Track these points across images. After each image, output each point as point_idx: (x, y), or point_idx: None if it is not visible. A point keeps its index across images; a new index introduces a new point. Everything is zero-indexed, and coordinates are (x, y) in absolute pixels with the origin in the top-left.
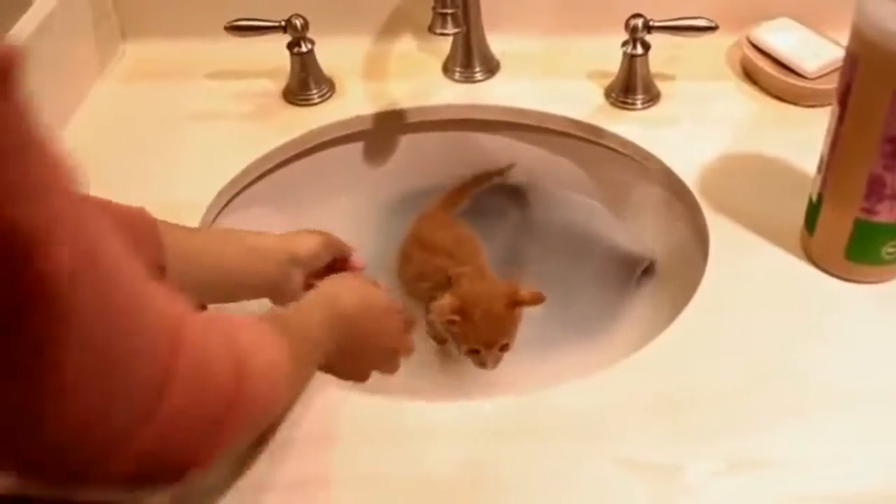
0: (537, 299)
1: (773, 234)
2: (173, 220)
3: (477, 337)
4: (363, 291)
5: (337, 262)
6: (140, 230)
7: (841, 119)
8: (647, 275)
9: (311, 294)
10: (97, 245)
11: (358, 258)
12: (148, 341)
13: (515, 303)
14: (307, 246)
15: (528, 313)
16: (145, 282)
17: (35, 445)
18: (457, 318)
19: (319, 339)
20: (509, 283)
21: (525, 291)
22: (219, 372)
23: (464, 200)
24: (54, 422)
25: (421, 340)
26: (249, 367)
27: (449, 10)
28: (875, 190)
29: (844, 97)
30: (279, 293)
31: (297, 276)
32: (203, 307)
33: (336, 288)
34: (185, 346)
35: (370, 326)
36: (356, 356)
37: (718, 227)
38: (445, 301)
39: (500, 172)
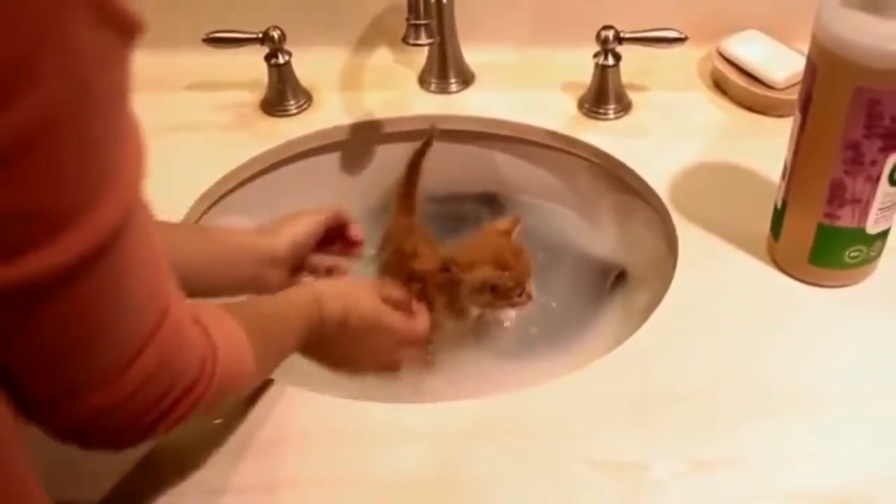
0: (517, 220)
1: (740, 241)
2: None
3: (521, 276)
4: (353, 302)
5: (333, 233)
6: None
7: (802, 126)
8: (619, 282)
9: (303, 287)
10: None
11: (357, 231)
12: (148, 301)
13: (508, 232)
14: (283, 243)
15: (503, 320)
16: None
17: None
18: (507, 273)
19: (292, 325)
20: (488, 228)
21: (503, 221)
22: (189, 353)
23: (415, 194)
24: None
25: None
26: (215, 356)
27: (422, 21)
28: (837, 195)
29: (805, 104)
30: (257, 291)
31: (276, 275)
32: None
33: (325, 289)
34: (167, 322)
35: (352, 342)
36: (330, 356)
37: (688, 234)
38: (484, 271)
39: (427, 145)
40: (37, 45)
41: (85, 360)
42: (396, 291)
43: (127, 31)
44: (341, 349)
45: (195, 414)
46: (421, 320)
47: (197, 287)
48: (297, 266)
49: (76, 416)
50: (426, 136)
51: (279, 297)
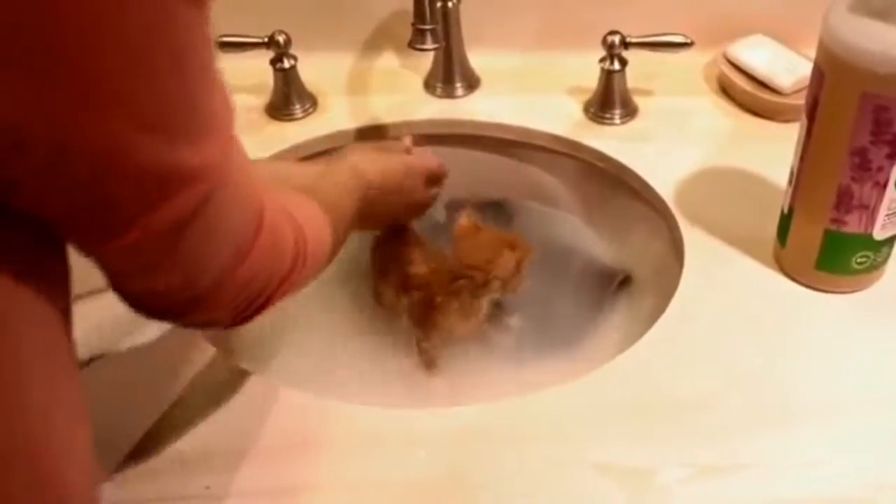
0: (470, 212)
1: (746, 246)
2: None
3: (525, 246)
4: (383, 162)
5: None
6: None
7: (809, 132)
8: (624, 286)
9: (337, 165)
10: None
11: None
12: (248, 215)
13: (476, 224)
14: (376, 168)
15: (509, 325)
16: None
17: (173, 283)
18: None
19: (347, 207)
20: (462, 228)
21: (465, 218)
22: (284, 246)
23: None
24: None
25: (404, 354)
26: (304, 240)
27: (428, 27)
28: (844, 201)
29: (812, 110)
30: None
31: None
32: None
33: (359, 160)
34: (264, 225)
35: (391, 195)
36: (379, 216)
37: (694, 240)
38: (507, 258)
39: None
40: (139, 38)
41: (210, 270)
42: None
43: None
44: (384, 206)
45: (292, 293)
46: (428, 155)
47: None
48: None
49: (202, 314)
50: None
51: (328, 180)
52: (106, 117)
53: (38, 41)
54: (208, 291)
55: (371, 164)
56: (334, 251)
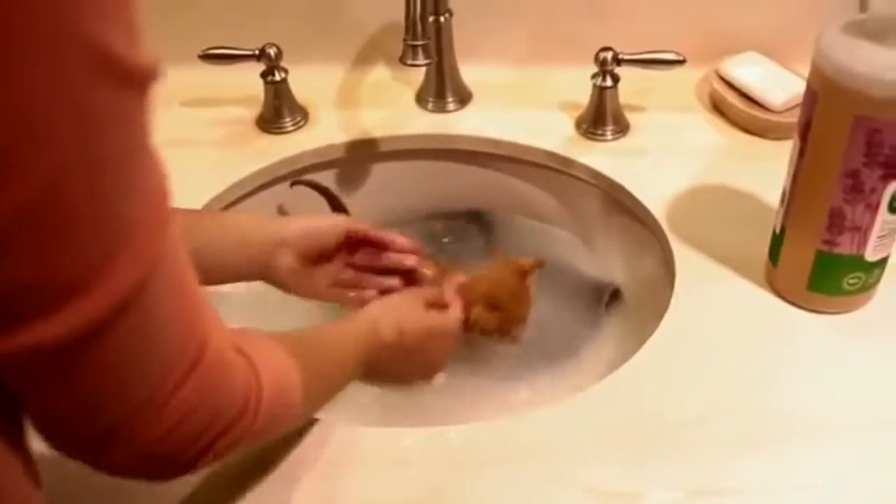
0: (541, 263)
1: (738, 265)
2: None
3: (509, 322)
4: (404, 319)
5: (357, 244)
6: None
7: (802, 153)
8: (615, 304)
9: (357, 314)
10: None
11: (403, 242)
12: (180, 344)
13: (525, 273)
14: (295, 227)
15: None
16: (197, 291)
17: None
18: (496, 314)
19: (349, 356)
20: (504, 261)
21: (525, 260)
22: (230, 388)
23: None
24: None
25: None
26: (259, 386)
27: (420, 42)
28: (836, 222)
29: (805, 131)
30: (267, 276)
31: (286, 260)
32: None
33: (379, 315)
34: (205, 360)
35: (409, 355)
36: (390, 375)
37: (685, 258)
38: (478, 311)
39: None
40: (34, 112)
41: (119, 403)
42: (432, 292)
43: (138, 83)
44: (398, 366)
45: (241, 447)
46: (454, 309)
47: (210, 270)
48: (310, 257)
49: (118, 454)
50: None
51: (336, 326)
52: None
53: None
54: (120, 427)
55: (391, 322)
56: (313, 404)
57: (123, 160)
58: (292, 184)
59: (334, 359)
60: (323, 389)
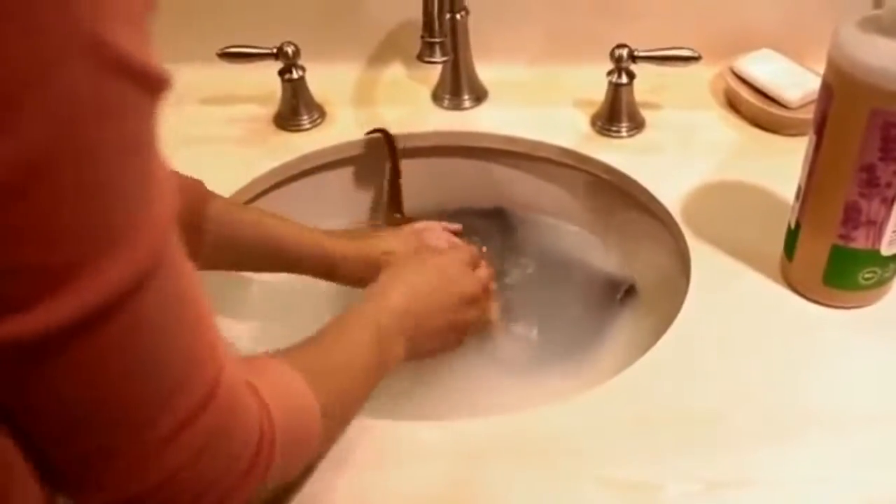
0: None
1: (753, 260)
2: None
3: None
4: (407, 272)
5: None
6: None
7: (817, 148)
8: (631, 299)
9: (357, 305)
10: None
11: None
12: (190, 371)
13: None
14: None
15: (515, 337)
16: (209, 317)
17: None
18: None
19: (368, 362)
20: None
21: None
22: (246, 419)
23: (401, 196)
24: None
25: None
26: (272, 427)
27: (437, 40)
28: (851, 217)
29: (820, 126)
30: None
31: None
32: None
33: (379, 287)
34: (219, 394)
35: (426, 301)
36: (426, 335)
37: (700, 253)
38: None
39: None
40: (22, 89)
41: (111, 423)
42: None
43: (144, 82)
44: (428, 320)
45: (258, 490)
46: (483, 270)
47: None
48: None
49: (108, 491)
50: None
51: (346, 324)
52: None
53: None
54: (113, 455)
55: (395, 285)
56: (338, 423)
57: (123, 156)
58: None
59: (355, 365)
60: (346, 406)
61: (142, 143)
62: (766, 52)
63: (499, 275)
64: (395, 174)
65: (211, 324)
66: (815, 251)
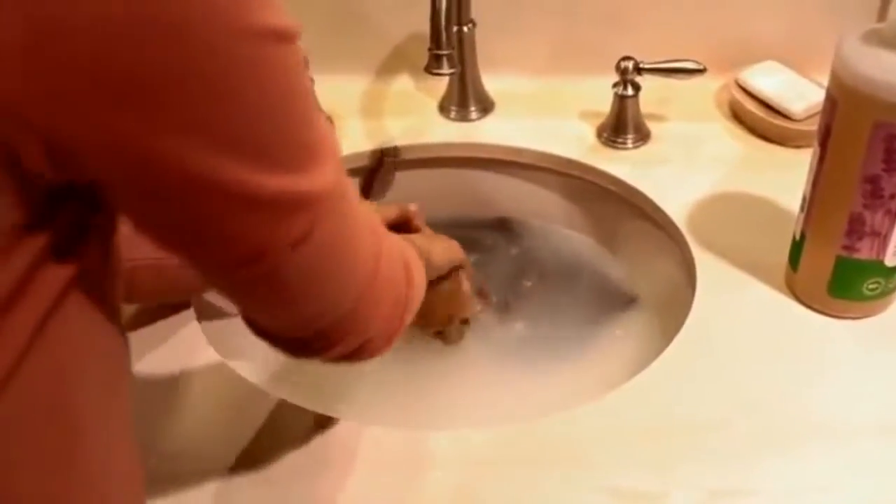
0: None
1: (758, 271)
2: None
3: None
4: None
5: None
6: None
7: (822, 159)
8: (636, 310)
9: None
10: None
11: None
12: (364, 260)
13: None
14: None
15: (521, 345)
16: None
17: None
18: None
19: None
20: None
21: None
22: (398, 279)
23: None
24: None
25: (412, 370)
26: (411, 276)
27: (444, 52)
28: (855, 228)
29: (825, 138)
30: None
31: None
32: None
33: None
34: (382, 258)
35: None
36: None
37: (706, 263)
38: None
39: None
40: (223, 74)
41: (345, 286)
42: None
43: (289, 37)
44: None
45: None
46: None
47: None
48: None
49: (346, 345)
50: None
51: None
52: (192, 145)
53: (131, 73)
54: (344, 318)
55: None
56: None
57: (305, 97)
58: None
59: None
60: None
61: (305, 84)
62: (770, 64)
63: (504, 284)
64: (366, 194)
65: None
66: (819, 262)
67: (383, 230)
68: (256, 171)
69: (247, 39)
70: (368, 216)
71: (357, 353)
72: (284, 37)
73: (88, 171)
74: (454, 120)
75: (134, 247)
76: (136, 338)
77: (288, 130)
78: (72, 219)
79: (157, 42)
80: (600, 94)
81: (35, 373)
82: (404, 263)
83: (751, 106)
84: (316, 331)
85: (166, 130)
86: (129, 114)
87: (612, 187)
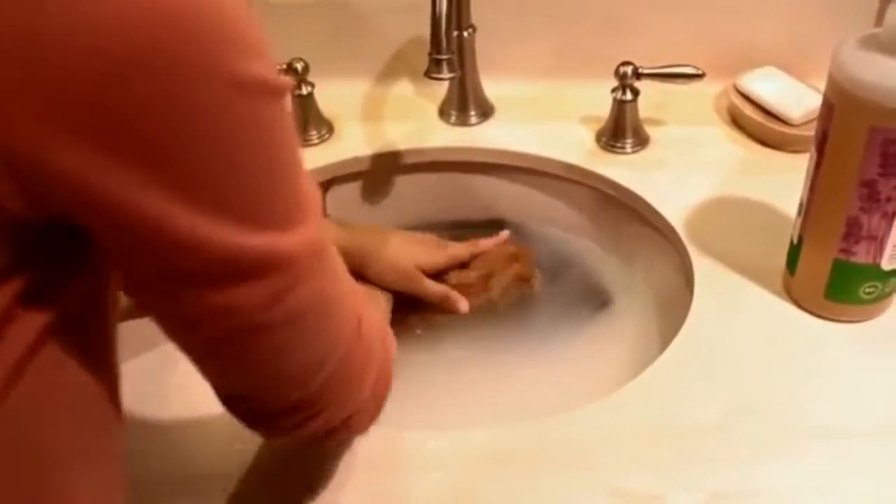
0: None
1: (756, 275)
2: None
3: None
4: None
5: None
6: None
7: (819, 164)
8: (634, 313)
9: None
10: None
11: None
12: (348, 321)
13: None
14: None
15: (519, 345)
16: (349, 280)
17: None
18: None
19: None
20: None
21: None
22: (376, 345)
23: None
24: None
25: (414, 373)
26: (386, 344)
27: (444, 56)
28: (852, 232)
29: (821, 143)
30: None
31: None
32: None
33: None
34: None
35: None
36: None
37: (704, 267)
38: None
39: None
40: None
41: (319, 359)
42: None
43: (273, 92)
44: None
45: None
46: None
47: None
48: None
49: (327, 418)
50: None
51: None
52: (173, 199)
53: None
54: (326, 384)
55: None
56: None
57: (292, 153)
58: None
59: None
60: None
61: (292, 139)
62: (769, 69)
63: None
64: None
65: (351, 280)
66: (816, 266)
67: (358, 286)
68: (240, 232)
69: (237, 91)
70: (346, 271)
71: (339, 429)
72: (275, 91)
73: (63, 211)
74: (454, 124)
75: None
76: (135, 332)
77: (274, 188)
78: (55, 262)
79: (145, 90)
80: (599, 98)
81: (8, 413)
82: (380, 326)
83: (749, 111)
84: (295, 402)
85: (147, 184)
86: (111, 164)
87: (610, 192)
